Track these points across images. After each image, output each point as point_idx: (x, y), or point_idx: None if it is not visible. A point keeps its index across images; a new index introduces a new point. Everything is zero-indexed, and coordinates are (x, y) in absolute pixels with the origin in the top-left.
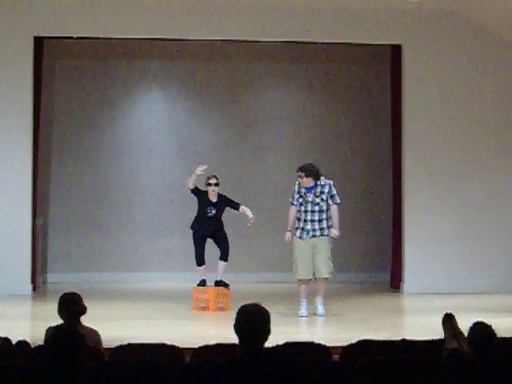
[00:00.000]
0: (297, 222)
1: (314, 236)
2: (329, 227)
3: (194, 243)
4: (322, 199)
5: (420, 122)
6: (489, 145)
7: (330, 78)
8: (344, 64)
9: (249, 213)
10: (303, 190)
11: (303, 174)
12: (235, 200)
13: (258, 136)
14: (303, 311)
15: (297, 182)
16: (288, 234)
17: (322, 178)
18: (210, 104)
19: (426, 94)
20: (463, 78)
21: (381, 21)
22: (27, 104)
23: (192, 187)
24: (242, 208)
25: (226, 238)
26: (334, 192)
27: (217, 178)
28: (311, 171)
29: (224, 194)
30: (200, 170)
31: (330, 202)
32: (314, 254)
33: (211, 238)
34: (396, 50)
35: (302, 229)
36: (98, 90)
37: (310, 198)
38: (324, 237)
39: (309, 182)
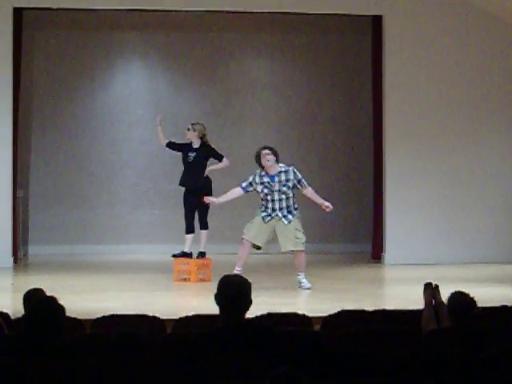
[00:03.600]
0: (263, 207)
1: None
2: (295, 210)
3: (183, 204)
4: (288, 187)
5: (401, 93)
6: (471, 116)
7: (311, 49)
8: (326, 35)
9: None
10: (266, 180)
11: (271, 152)
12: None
13: (239, 107)
14: None
15: (257, 172)
16: (216, 199)
17: (282, 164)
18: (191, 75)
19: (407, 65)
20: (445, 49)
21: None
22: (7, 76)
23: (165, 142)
24: (226, 161)
25: (205, 205)
26: (300, 176)
27: (193, 124)
28: (275, 152)
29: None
30: (158, 120)
31: (299, 187)
32: (281, 233)
33: (195, 196)
34: (377, 20)
35: (270, 215)
36: (77, 61)
37: (276, 187)
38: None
39: (273, 162)
